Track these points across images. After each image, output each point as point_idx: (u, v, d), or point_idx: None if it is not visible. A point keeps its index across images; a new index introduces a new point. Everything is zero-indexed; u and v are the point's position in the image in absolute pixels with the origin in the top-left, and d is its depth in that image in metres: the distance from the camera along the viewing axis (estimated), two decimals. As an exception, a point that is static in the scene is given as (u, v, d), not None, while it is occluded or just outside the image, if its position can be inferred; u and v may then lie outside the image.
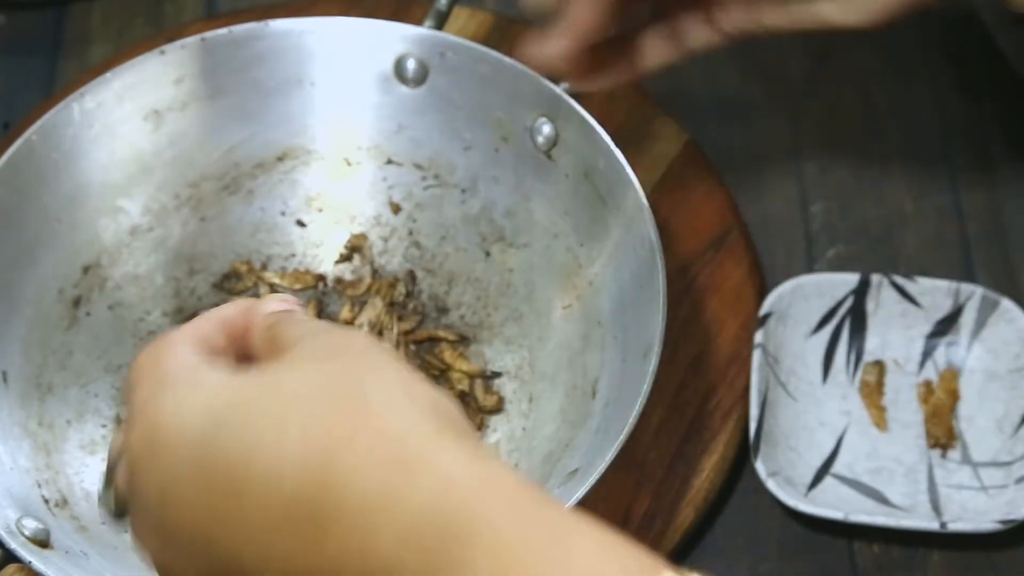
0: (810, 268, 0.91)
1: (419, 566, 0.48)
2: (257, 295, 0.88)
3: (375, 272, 0.89)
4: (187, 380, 0.54)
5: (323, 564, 0.49)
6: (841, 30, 0.79)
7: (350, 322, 0.87)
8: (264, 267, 0.89)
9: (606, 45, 0.82)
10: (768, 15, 0.80)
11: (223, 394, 0.52)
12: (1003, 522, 0.79)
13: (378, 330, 0.86)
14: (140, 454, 0.53)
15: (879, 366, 0.87)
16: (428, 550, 0.48)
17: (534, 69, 0.84)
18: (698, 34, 0.83)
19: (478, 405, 0.85)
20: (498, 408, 0.85)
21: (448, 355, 0.86)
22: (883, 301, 0.87)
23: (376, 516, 0.48)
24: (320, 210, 0.90)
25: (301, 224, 0.90)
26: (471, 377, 0.85)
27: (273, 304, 0.59)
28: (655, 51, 0.84)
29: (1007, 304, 0.86)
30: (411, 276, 0.89)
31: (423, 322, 0.88)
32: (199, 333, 0.57)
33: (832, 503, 0.82)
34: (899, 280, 0.87)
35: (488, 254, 0.88)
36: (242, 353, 0.58)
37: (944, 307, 0.87)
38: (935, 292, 0.87)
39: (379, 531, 0.48)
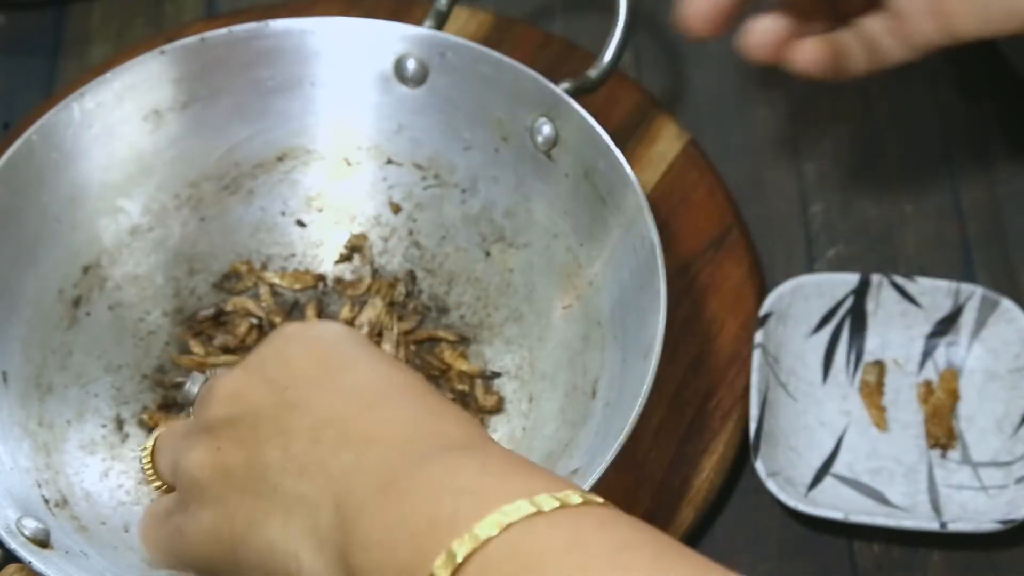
0: (810, 268, 0.91)
1: (438, 442, 0.60)
2: (257, 295, 0.88)
3: (375, 272, 0.89)
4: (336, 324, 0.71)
5: (373, 422, 0.62)
6: None
7: (350, 322, 0.87)
8: (264, 267, 0.89)
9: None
10: (960, 19, 0.79)
11: (356, 335, 0.68)
12: (1003, 522, 0.79)
13: (378, 330, 0.86)
14: (290, 326, 0.69)
15: (879, 366, 0.87)
16: (448, 435, 0.61)
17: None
18: (889, 46, 0.83)
19: (478, 405, 0.85)
20: (498, 408, 0.85)
21: (448, 355, 0.86)
22: (883, 301, 0.87)
23: (419, 412, 0.62)
24: (320, 210, 0.90)
25: (301, 224, 0.90)
26: (471, 377, 0.85)
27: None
28: (853, 56, 0.85)
29: (1007, 304, 0.86)
30: (411, 276, 0.89)
31: (423, 322, 0.88)
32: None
33: (832, 503, 0.82)
34: (899, 280, 0.87)
35: (488, 254, 0.88)
36: None
37: (944, 307, 0.87)
38: (935, 292, 0.87)
39: (420, 417, 0.62)
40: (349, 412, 0.62)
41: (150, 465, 0.73)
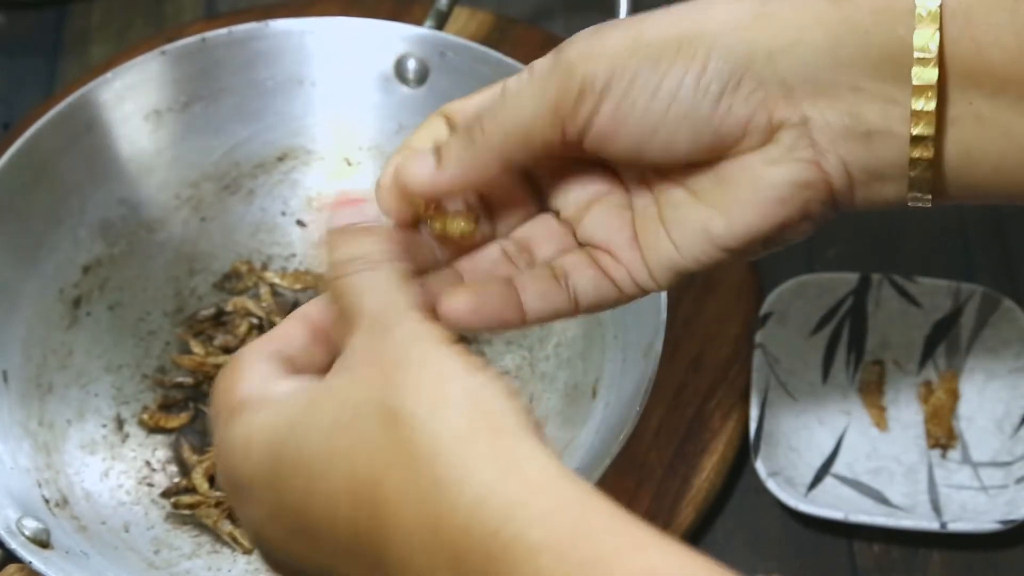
0: (810, 268, 0.91)
1: None
2: (257, 295, 0.88)
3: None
4: (250, 409, 0.55)
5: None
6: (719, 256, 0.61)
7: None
8: (264, 267, 0.89)
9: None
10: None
11: (279, 424, 0.54)
12: (1003, 522, 0.79)
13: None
14: (229, 496, 0.57)
15: (879, 366, 0.87)
16: (473, 570, 0.48)
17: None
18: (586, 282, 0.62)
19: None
20: (498, 408, 0.85)
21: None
22: (883, 301, 0.87)
23: (421, 542, 0.50)
24: (320, 210, 0.90)
25: (301, 224, 0.90)
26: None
27: (339, 219, 0.57)
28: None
29: (1007, 304, 0.86)
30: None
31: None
32: (272, 342, 0.58)
33: (832, 503, 0.82)
34: (899, 280, 0.87)
35: (488, 254, 0.88)
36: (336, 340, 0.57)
37: (944, 307, 0.87)
38: (935, 292, 0.87)
39: (427, 555, 0.49)
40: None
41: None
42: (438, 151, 0.59)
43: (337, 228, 0.56)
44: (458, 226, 0.61)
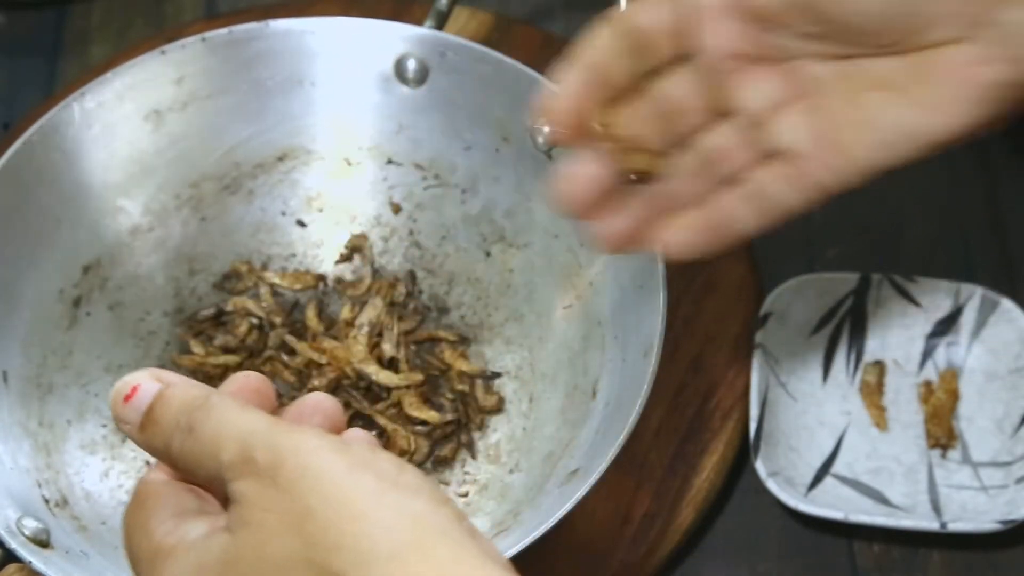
0: (810, 268, 0.91)
1: None
2: (257, 295, 0.88)
3: (375, 272, 0.89)
4: (172, 556, 0.55)
5: None
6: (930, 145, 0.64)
7: (350, 322, 0.87)
8: (264, 267, 0.89)
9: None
10: (859, 152, 0.65)
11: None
12: (1003, 522, 0.79)
13: (378, 330, 0.86)
14: None
15: (879, 366, 0.87)
16: None
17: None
18: (781, 194, 0.69)
19: (478, 405, 0.85)
20: (498, 408, 0.85)
21: (448, 355, 0.86)
22: (883, 301, 0.87)
23: None
24: (320, 210, 0.90)
25: (301, 224, 0.90)
26: (471, 377, 0.85)
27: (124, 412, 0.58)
28: (739, 218, 0.70)
29: (1007, 304, 0.86)
30: (411, 276, 0.89)
31: (423, 322, 0.88)
32: (173, 494, 0.57)
33: (832, 503, 0.82)
34: (899, 280, 0.87)
35: (488, 254, 0.88)
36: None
37: (944, 307, 0.87)
38: (935, 292, 0.87)
39: None
40: None
41: None
42: None
43: (129, 419, 0.57)
44: (642, 161, 0.62)
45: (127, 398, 0.57)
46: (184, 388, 0.57)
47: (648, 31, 0.67)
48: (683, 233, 0.70)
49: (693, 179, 0.70)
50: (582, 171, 0.69)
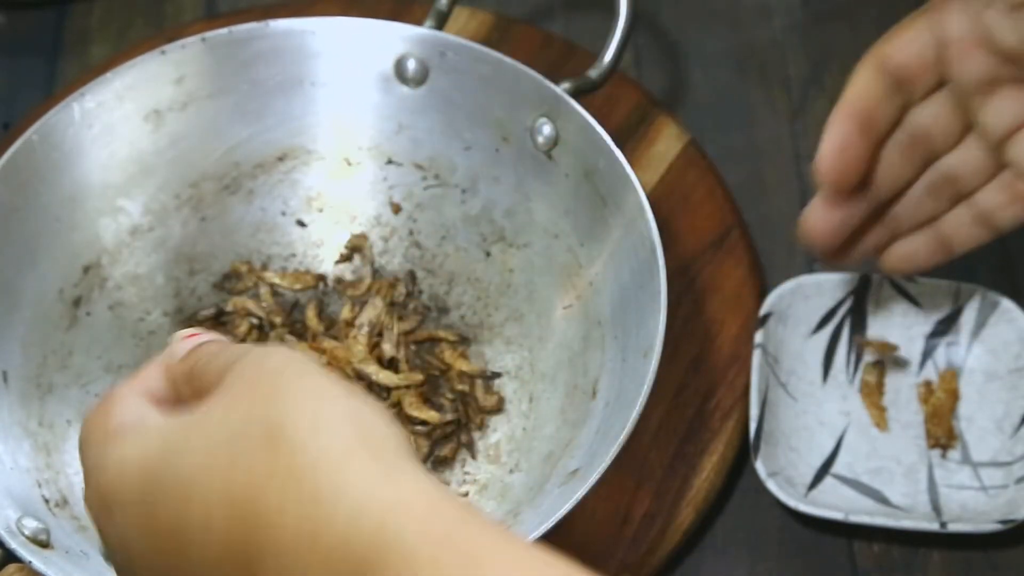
0: (810, 268, 0.91)
1: None
2: (257, 295, 0.88)
3: (375, 272, 0.89)
4: (128, 433, 0.55)
5: None
6: None
7: (350, 322, 0.87)
8: (264, 267, 0.89)
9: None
10: None
11: (156, 444, 0.53)
12: (1003, 522, 0.79)
13: (378, 330, 0.86)
14: (97, 514, 0.56)
15: (879, 366, 0.87)
16: None
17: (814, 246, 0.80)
18: (1007, 212, 0.78)
19: (478, 405, 0.85)
20: (499, 408, 0.85)
21: (448, 355, 0.86)
22: (883, 301, 0.87)
23: (297, 555, 0.49)
24: (320, 210, 0.90)
25: (301, 224, 0.90)
26: (471, 377, 0.85)
27: (184, 344, 0.59)
28: (963, 235, 0.80)
29: (1007, 304, 0.86)
30: (411, 276, 0.89)
31: (423, 322, 0.88)
32: (144, 384, 0.58)
33: (832, 503, 0.82)
34: (899, 280, 0.87)
35: (488, 254, 0.88)
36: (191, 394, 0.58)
37: (944, 307, 0.87)
38: (935, 292, 0.87)
39: (303, 569, 0.49)
40: None
41: None
42: None
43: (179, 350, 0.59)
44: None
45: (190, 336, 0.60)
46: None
47: (910, 67, 0.74)
48: (908, 251, 0.80)
49: (926, 199, 0.78)
50: (830, 217, 0.78)
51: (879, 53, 0.75)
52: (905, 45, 0.74)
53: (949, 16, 0.73)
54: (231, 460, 0.51)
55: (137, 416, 0.56)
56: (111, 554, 0.56)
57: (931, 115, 0.76)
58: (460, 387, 0.85)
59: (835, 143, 0.76)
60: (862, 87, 0.75)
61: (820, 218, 0.78)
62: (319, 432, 0.50)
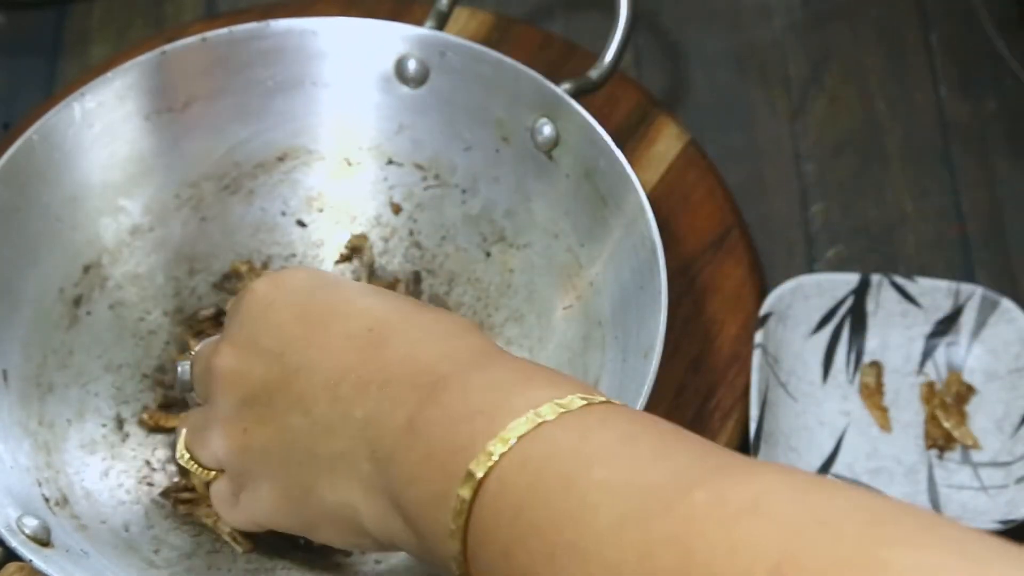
0: (810, 268, 0.91)
1: (449, 365, 0.65)
2: (257, 295, 0.88)
3: (372, 273, 0.89)
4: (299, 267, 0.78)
5: (377, 363, 0.66)
6: None
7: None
8: (265, 267, 0.89)
9: None
10: None
11: (322, 273, 0.74)
12: (1003, 522, 0.79)
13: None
14: (258, 287, 0.73)
15: (876, 367, 0.87)
16: (453, 361, 0.65)
17: None
18: None
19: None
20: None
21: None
22: (883, 301, 0.87)
23: (422, 338, 0.67)
24: (321, 210, 0.90)
25: (302, 224, 0.90)
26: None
27: None
28: None
29: (1007, 304, 0.86)
30: (416, 277, 0.89)
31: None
32: None
33: (832, 503, 0.81)
34: (899, 280, 0.87)
35: (489, 254, 0.88)
36: None
37: (944, 307, 0.87)
38: (935, 292, 0.87)
39: (424, 346, 0.66)
40: (353, 361, 0.67)
41: (193, 462, 0.76)
42: None
43: None
44: None
45: None
46: None
47: None
48: None
49: None
50: None
51: None
52: None
53: None
54: (376, 293, 0.72)
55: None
56: (240, 317, 0.73)
57: None
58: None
59: None
60: None
61: None
62: (434, 310, 0.71)
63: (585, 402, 0.60)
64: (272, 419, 0.70)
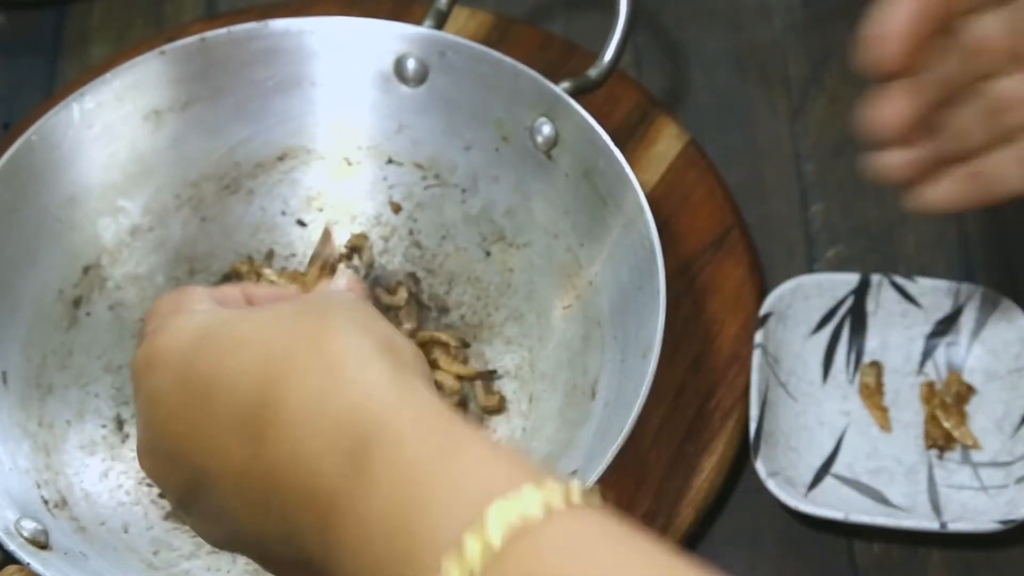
0: (810, 268, 0.91)
1: (336, 469, 0.53)
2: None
3: (368, 275, 0.89)
4: (191, 309, 0.61)
5: (264, 468, 0.55)
6: None
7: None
8: (268, 259, 0.89)
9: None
10: None
11: (213, 319, 0.60)
12: (1003, 522, 0.79)
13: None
14: (138, 371, 0.61)
15: (876, 367, 0.87)
16: (345, 453, 0.53)
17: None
18: None
19: (480, 405, 0.85)
20: (500, 408, 0.85)
21: (444, 360, 0.86)
22: (883, 301, 0.87)
23: (304, 424, 0.54)
24: (320, 210, 0.90)
25: (302, 224, 0.90)
26: (470, 379, 0.85)
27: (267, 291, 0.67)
28: (1006, 176, 0.74)
29: (1007, 304, 0.86)
30: (413, 279, 0.89)
31: (424, 322, 0.88)
32: (218, 290, 0.64)
33: (832, 503, 0.82)
34: (899, 280, 0.87)
35: (488, 254, 0.88)
36: None
37: (944, 307, 0.87)
38: (935, 292, 0.87)
39: (306, 437, 0.54)
40: (246, 461, 0.56)
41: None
42: None
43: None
44: None
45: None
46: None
47: None
48: (948, 186, 0.74)
49: (973, 131, 0.73)
50: (896, 101, 0.73)
51: None
52: None
53: None
54: (270, 337, 0.57)
55: (200, 301, 0.62)
56: (138, 417, 0.61)
57: (987, 29, 0.72)
58: (454, 396, 0.85)
59: (899, 20, 0.71)
60: None
61: (881, 102, 0.73)
62: (355, 334, 0.56)
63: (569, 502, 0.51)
64: (208, 522, 0.60)
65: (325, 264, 0.88)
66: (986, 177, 0.75)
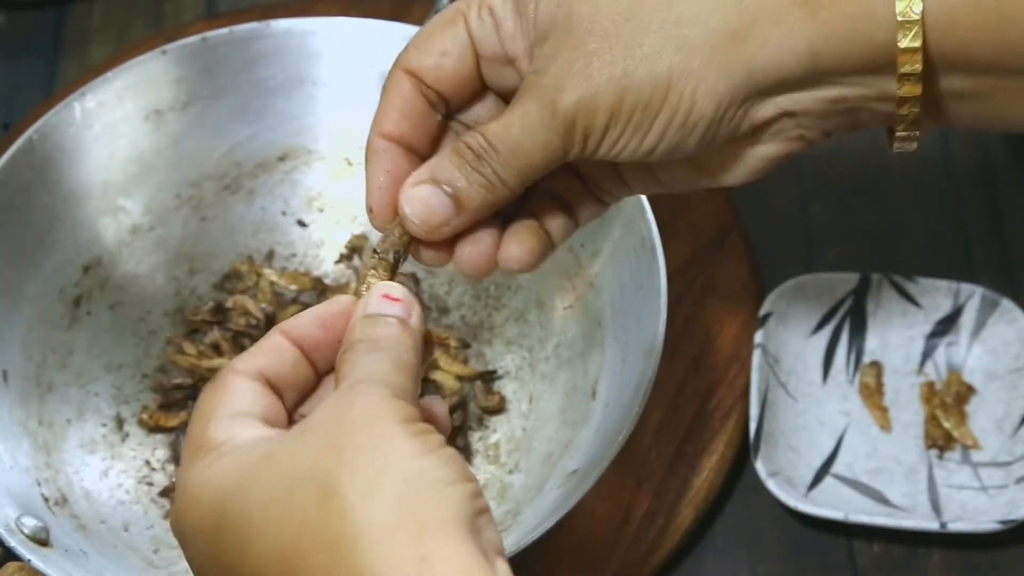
0: (810, 268, 0.91)
1: None
2: (256, 296, 0.88)
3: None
4: (213, 454, 0.57)
5: None
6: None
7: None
8: (268, 258, 0.89)
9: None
10: (637, 185, 0.67)
11: (233, 475, 0.56)
12: (1003, 522, 0.79)
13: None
14: (178, 535, 0.59)
15: (876, 367, 0.87)
16: None
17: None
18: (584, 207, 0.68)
19: (481, 405, 0.85)
20: (501, 408, 0.85)
21: (443, 360, 0.86)
22: (883, 301, 0.87)
23: None
24: (321, 210, 0.90)
25: (302, 224, 0.90)
26: (470, 380, 0.85)
27: (372, 306, 0.62)
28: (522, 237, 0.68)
29: (1007, 304, 0.86)
30: (414, 279, 0.89)
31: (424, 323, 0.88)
32: (259, 358, 0.60)
33: (832, 503, 0.82)
34: (899, 280, 0.87)
35: (488, 254, 0.88)
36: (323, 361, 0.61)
37: (944, 307, 0.87)
38: (935, 292, 0.87)
39: None
40: None
41: None
42: (455, 198, 0.66)
43: (370, 313, 0.61)
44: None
45: (388, 296, 0.63)
46: (413, 337, 0.62)
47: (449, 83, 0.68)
48: (517, 248, 0.67)
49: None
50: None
51: (409, 62, 0.68)
52: (428, 57, 0.67)
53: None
54: (286, 516, 0.54)
55: (228, 429, 0.58)
56: (191, 568, 0.59)
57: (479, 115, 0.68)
58: (454, 396, 0.85)
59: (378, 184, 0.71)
60: (391, 100, 0.70)
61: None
62: (372, 500, 0.53)
63: None
64: None
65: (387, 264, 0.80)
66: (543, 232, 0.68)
